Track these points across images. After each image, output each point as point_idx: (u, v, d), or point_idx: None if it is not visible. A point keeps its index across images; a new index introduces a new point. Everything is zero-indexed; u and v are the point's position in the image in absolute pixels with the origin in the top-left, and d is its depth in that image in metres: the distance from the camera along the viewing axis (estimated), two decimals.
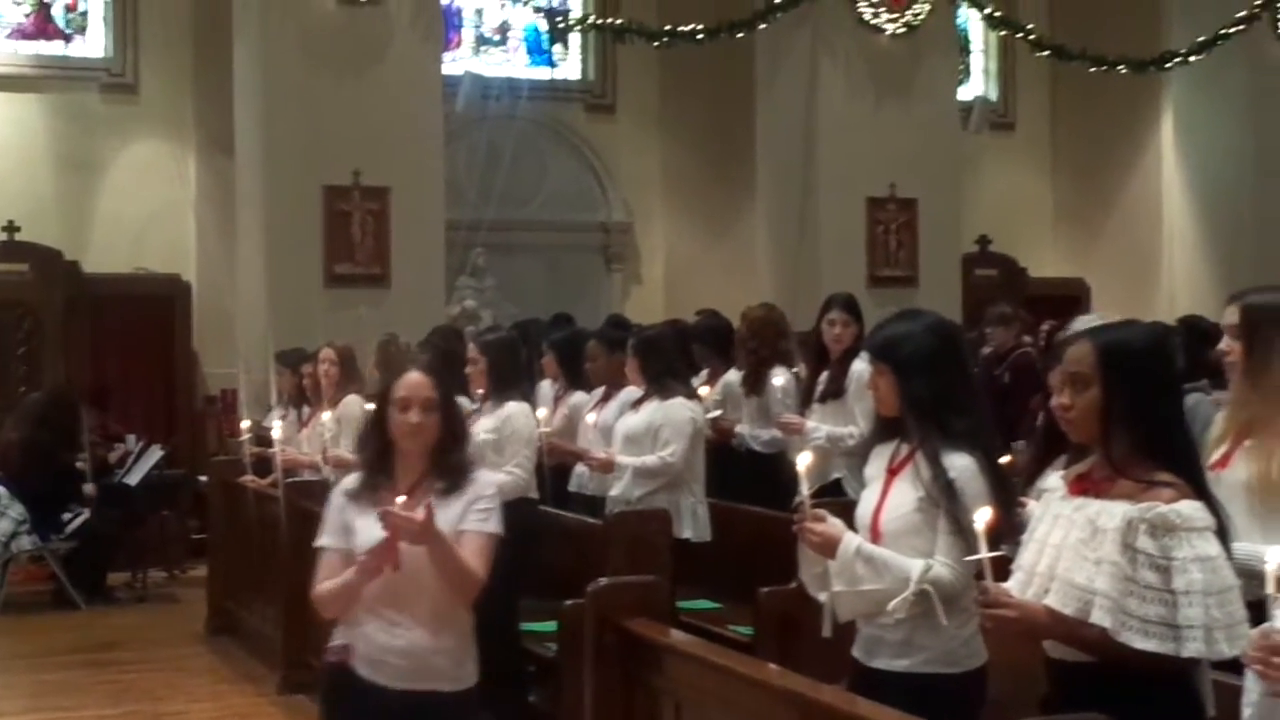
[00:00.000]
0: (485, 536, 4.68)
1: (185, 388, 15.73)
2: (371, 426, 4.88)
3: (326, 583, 4.72)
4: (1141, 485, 3.67)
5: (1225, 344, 4.62)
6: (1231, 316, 4.62)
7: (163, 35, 15.89)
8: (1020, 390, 10.04)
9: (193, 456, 14.69)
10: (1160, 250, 18.52)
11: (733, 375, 9.52)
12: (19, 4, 15.84)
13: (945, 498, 4.30)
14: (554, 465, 8.39)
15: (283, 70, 13.69)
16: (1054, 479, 3.99)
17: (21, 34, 15.86)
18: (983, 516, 3.82)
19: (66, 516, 12.08)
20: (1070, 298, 18.60)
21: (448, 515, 4.61)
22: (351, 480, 4.86)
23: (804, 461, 4.44)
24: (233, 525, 10.99)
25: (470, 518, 4.67)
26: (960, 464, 4.33)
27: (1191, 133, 18.11)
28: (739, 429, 9.14)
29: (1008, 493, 4.41)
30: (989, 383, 9.87)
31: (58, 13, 15.97)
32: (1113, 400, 3.72)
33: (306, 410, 10.17)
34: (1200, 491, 3.69)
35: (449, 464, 4.74)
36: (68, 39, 16.01)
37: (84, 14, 16.05)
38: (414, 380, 4.76)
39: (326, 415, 9.40)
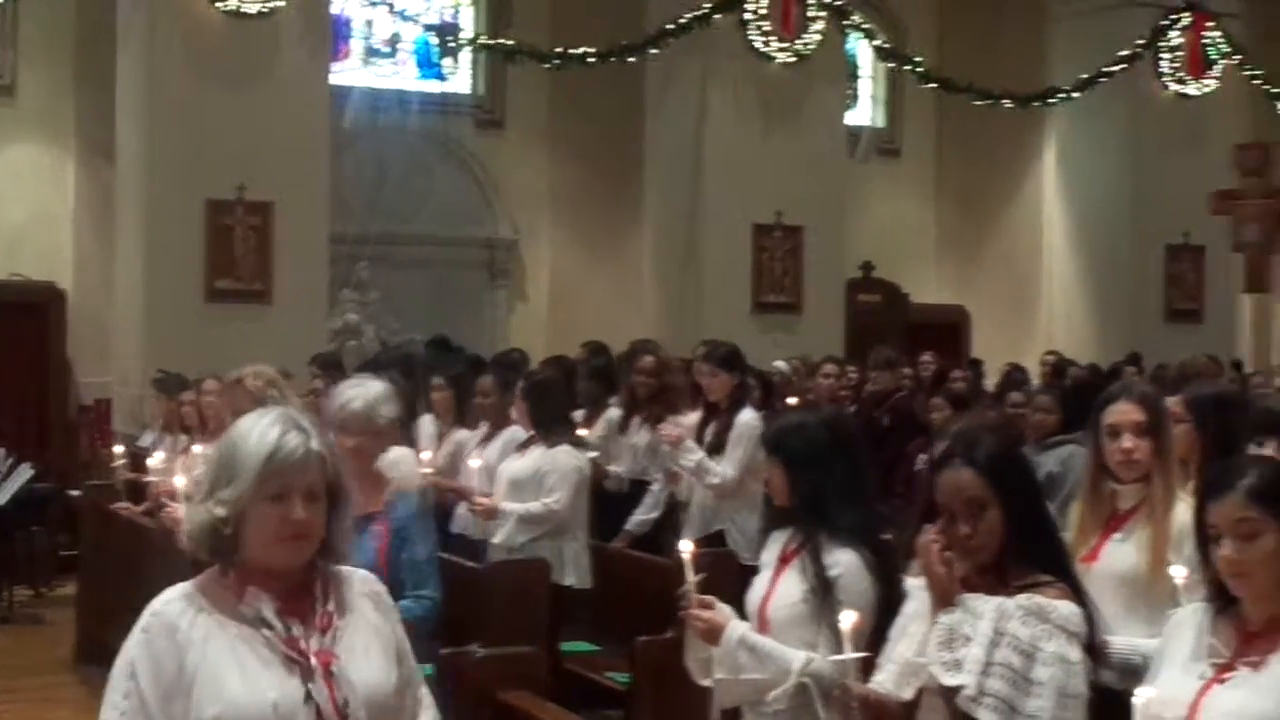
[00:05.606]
0: None
1: (58, 396, 15.49)
2: None
3: None
4: (1024, 586, 3.68)
5: (1129, 441, 4.65)
6: (1136, 414, 4.67)
7: (44, 38, 15.59)
8: (899, 433, 10.12)
9: (64, 468, 14.43)
10: (1040, 280, 18.76)
11: (614, 412, 9.54)
12: None
13: (826, 594, 4.32)
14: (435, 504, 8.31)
15: (168, 80, 13.47)
16: None
17: None
18: (848, 619, 3.91)
19: None
20: (950, 325, 18.81)
21: None
22: None
23: (687, 549, 4.44)
24: (104, 550, 10.69)
25: None
26: (844, 560, 4.35)
27: (1073, 165, 18.37)
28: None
29: (892, 588, 4.41)
30: (868, 424, 9.95)
31: None
32: (1010, 515, 3.72)
33: (183, 438, 10.00)
34: (1079, 597, 3.71)
35: None
36: None
37: None
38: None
39: (198, 449, 9.23)
